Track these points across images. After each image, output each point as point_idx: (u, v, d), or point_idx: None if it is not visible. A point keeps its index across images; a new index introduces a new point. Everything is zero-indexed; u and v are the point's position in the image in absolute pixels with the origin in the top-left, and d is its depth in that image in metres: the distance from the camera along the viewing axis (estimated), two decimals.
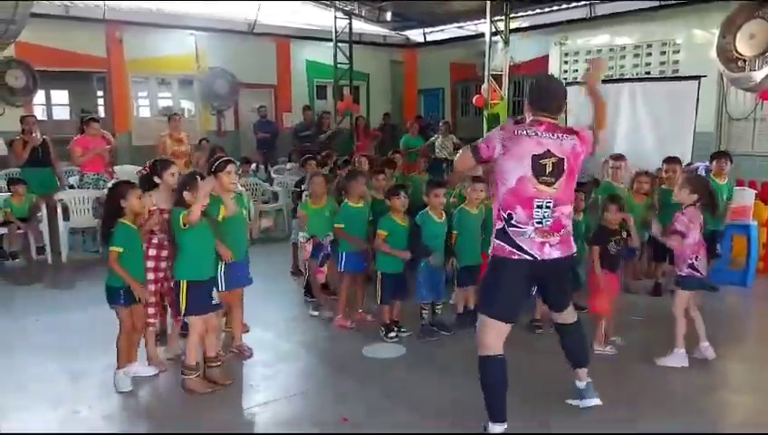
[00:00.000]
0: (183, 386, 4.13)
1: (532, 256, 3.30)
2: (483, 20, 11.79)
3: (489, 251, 3.47)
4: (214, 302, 4.20)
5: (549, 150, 3.28)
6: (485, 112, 10.72)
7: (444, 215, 5.17)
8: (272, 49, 14.18)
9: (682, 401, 4.01)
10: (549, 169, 3.28)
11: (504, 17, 10.75)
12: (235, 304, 4.76)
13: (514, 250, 3.31)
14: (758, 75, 6.89)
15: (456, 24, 14.02)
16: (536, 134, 3.29)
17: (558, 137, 3.32)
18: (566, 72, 12.42)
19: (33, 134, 8.32)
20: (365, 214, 5.42)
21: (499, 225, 3.37)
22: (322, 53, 14.57)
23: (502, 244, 3.36)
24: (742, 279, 6.51)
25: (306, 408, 4.00)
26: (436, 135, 11.41)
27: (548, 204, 3.29)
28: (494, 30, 10.72)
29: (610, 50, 11.74)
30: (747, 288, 6.48)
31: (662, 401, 3.96)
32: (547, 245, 3.31)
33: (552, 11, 12.18)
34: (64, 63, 11.76)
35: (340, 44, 14.00)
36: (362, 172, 5.95)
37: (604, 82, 10.33)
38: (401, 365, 4.64)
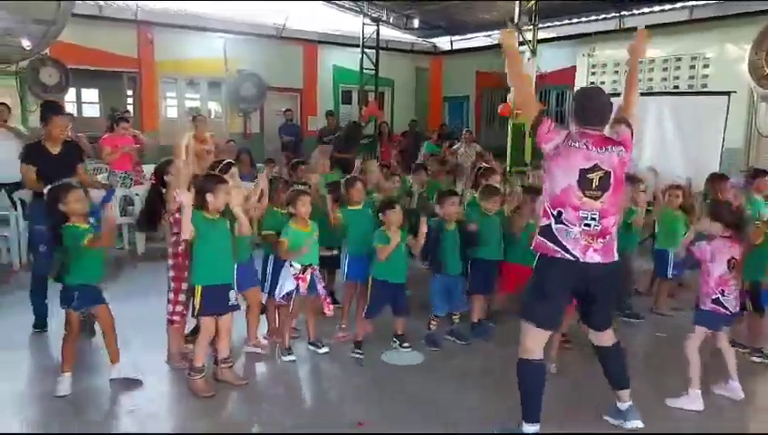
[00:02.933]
0: (188, 387, 4.16)
1: (574, 256, 3.33)
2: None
3: (531, 247, 3.51)
4: (231, 302, 4.20)
5: (597, 165, 3.32)
6: (511, 122, 10.69)
7: (454, 223, 5.12)
8: (299, 53, 14.31)
9: (704, 416, 3.96)
10: (596, 184, 3.32)
11: (532, 27, 10.72)
12: (251, 305, 4.83)
13: (558, 249, 3.35)
14: None
15: (483, 33, 14.00)
16: (586, 147, 3.33)
17: (605, 150, 3.36)
18: (593, 83, 12.33)
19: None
20: (367, 216, 5.22)
21: (545, 221, 3.40)
22: (349, 59, 14.67)
23: (545, 241, 3.39)
24: None
25: (323, 411, 4.03)
26: (459, 143, 11.40)
27: (593, 216, 3.33)
28: (521, 39, 10.69)
29: (639, 62, 11.60)
30: None
31: (678, 418, 3.93)
32: (591, 249, 3.34)
33: (581, 22, 12.13)
34: (96, 62, 11.97)
35: (366, 50, 14.07)
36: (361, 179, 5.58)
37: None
38: (419, 372, 4.64)
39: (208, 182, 4.13)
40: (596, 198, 3.32)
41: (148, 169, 9.43)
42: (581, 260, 3.32)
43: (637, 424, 3.69)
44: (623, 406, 3.71)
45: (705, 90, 10.18)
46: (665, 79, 11.30)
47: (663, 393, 4.16)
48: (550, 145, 3.36)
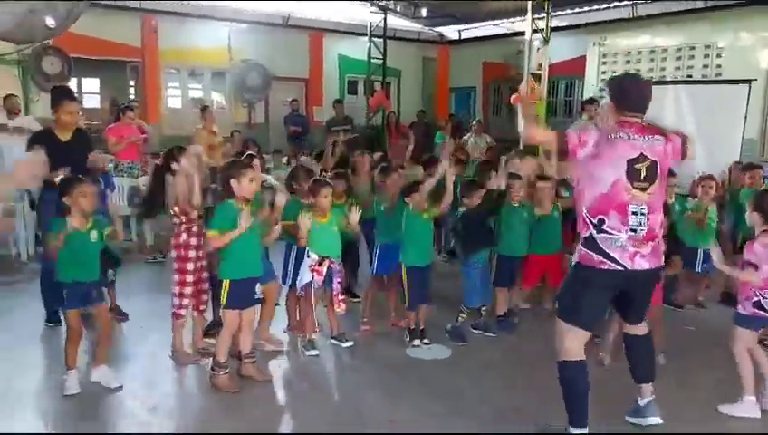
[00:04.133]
0: (211, 383, 4.01)
1: (622, 265, 3.15)
2: (521, 18, 11.60)
3: (573, 258, 3.36)
4: (256, 296, 4.10)
5: (642, 154, 3.15)
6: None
7: None
8: (305, 42, 14.10)
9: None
10: (643, 174, 3.15)
11: (544, 15, 10.52)
12: (267, 300, 4.63)
13: (604, 259, 3.16)
14: None
15: (492, 22, 13.80)
16: (629, 137, 3.16)
17: (648, 138, 3.19)
18: (604, 72, 12.15)
19: None
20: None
21: (586, 232, 3.22)
22: (355, 48, 14.48)
23: (589, 252, 3.20)
24: None
25: (350, 408, 3.87)
26: (469, 134, 11.21)
27: (642, 210, 3.16)
28: (535, 27, 10.49)
29: (651, 51, 11.46)
30: None
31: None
32: (638, 255, 3.16)
33: (592, 10, 11.93)
34: (99, 52, 11.74)
35: (373, 39, 13.87)
36: (395, 169, 5.44)
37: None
38: (446, 367, 4.50)
39: (232, 168, 3.97)
40: (644, 190, 3.15)
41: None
42: (629, 268, 3.16)
43: (656, 420, 3.54)
44: (643, 401, 3.55)
45: (721, 78, 9.96)
46: (678, 68, 11.10)
47: (692, 387, 4.06)
48: (586, 148, 3.17)
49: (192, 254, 4.28)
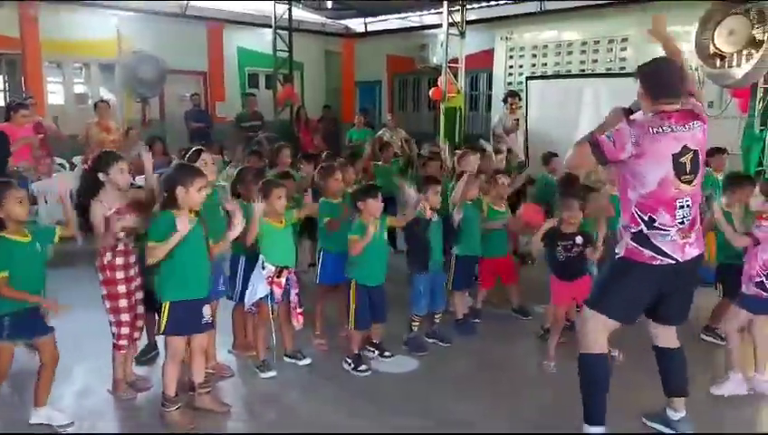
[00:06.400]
0: (162, 421, 3.50)
1: (675, 259, 3.05)
2: (429, 11, 11.47)
3: (618, 252, 3.17)
4: (204, 320, 3.54)
5: (686, 145, 3.00)
6: (442, 106, 10.37)
7: (435, 213, 4.66)
8: (202, 34, 13.27)
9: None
10: (689, 167, 3.02)
11: (459, 8, 10.41)
12: None
13: (656, 255, 3.05)
14: (738, 72, 6.86)
15: (400, 15, 13.58)
16: (672, 129, 2.99)
17: (689, 127, 3.03)
18: (511, 66, 12.27)
19: None
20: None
21: (635, 227, 3.08)
22: (255, 40, 13.83)
23: (640, 248, 3.07)
24: None
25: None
26: (384, 129, 10.95)
27: (687, 203, 3.05)
28: (451, 21, 10.35)
29: (557, 45, 11.67)
30: None
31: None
32: (687, 245, 3.08)
33: (499, 4, 12.00)
34: None
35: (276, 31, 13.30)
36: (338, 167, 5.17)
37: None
38: (416, 380, 4.22)
39: (180, 173, 3.45)
40: (689, 183, 3.05)
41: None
42: (681, 261, 3.07)
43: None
44: (676, 416, 3.42)
45: (625, 72, 10.22)
46: (583, 62, 11.36)
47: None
48: (626, 151, 2.99)
49: (120, 275, 3.69)
